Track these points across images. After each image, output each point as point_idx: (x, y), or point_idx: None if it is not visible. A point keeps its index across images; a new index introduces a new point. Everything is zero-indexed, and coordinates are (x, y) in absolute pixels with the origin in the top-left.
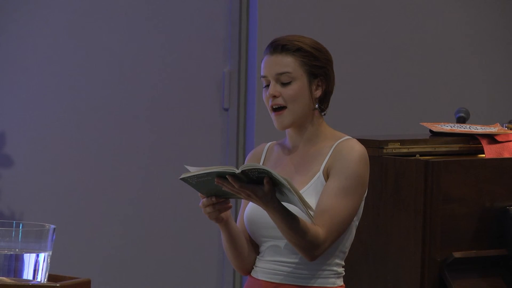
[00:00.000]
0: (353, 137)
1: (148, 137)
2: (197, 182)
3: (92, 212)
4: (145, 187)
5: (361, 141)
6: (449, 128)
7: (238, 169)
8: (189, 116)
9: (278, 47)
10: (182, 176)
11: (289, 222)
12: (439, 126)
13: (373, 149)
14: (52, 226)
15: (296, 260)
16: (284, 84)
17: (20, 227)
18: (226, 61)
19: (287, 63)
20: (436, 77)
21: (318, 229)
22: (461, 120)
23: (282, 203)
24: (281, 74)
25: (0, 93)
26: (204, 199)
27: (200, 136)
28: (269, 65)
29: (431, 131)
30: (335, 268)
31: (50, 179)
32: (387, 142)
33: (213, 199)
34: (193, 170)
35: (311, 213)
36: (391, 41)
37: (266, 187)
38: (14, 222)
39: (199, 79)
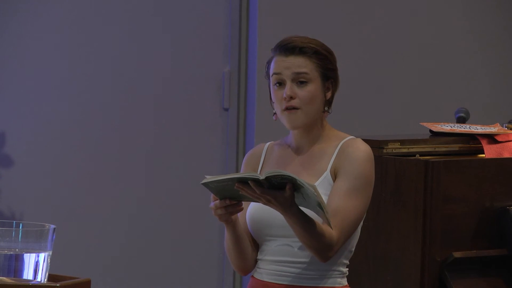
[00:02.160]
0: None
1: (148, 137)
2: (216, 187)
3: (92, 212)
4: (145, 187)
5: None
6: (449, 128)
7: (261, 175)
8: (189, 116)
9: (295, 49)
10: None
11: (306, 225)
12: (439, 126)
13: (373, 149)
14: (52, 226)
15: (306, 260)
16: (301, 85)
17: (20, 227)
18: (226, 61)
19: (305, 64)
20: (436, 77)
21: (332, 231)
22: (461, 120)
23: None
24: (299, 74)
25: (0, 93)
26: (217, 201)
27: (200, 136)
28: (285, 65)
29: (431, 131)
30: (341, 268)
31: (50, 179)
32: (387, 142)
33: (227, 201)
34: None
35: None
36: (391, 41)
37: (287, 193)
38: (14, 222)
39: (199, 79)
